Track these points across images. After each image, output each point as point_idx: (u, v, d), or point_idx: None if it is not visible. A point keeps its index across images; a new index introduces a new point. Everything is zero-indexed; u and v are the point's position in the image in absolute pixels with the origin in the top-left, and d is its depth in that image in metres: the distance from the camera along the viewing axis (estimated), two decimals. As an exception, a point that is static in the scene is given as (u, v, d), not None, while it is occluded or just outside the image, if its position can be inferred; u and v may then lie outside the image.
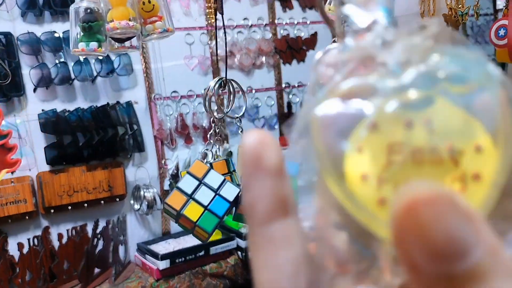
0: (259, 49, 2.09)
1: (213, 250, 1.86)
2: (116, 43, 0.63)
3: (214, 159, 0.74)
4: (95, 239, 1.71)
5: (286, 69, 2.18)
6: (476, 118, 0.16)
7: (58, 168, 1.70)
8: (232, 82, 0.78)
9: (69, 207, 1.70)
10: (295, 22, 2.17)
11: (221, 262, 1.88)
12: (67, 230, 1.71)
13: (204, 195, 0.70)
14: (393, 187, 0.17)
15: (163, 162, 1.95)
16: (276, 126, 2.17)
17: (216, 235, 1.90)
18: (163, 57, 1.90)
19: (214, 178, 0.72)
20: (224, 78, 0.78)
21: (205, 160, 0.79)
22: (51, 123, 1.67)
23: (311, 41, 2.21)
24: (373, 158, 0.17)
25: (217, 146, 0.76)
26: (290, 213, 0.19)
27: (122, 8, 0.56)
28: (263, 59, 2.12)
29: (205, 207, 0.68)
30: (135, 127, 1.85)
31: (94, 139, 1.73)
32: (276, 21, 2.15)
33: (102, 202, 1.77)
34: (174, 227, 2.00)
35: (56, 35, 1.68)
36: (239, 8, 2.06)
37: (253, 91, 2.10)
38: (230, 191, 0.68)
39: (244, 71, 2.09)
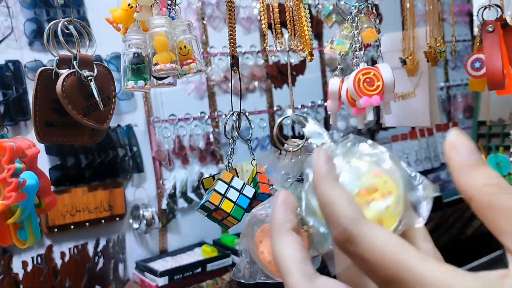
0: (252, 74, 2.21)
1: (210, 267, 1.93)
2: (157, 80, 0.73)
3: (229, 170, 1.03)
4: (96, 257, 1.77)
5: (277, 93, 2.30)
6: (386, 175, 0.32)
7: (61, 188, 1.78)
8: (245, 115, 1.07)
9: (72, 226, 1.77)
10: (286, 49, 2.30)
11: (217, 279, 1.95)
12: (69, 249, 1.78)
13: (233, 194, 1.00)
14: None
15: (161, 182, 2.03)
16: (268, 147, 2.28)
17: (212, 253, 1.98)
18: (161, 82, 2.00)
19: (238, 182, 1.02)
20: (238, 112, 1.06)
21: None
22: (55, 146, 1.75)
23: (301, 67, 2.34)
24: None
25: (231, 161, 1.03)
26: None
27: (165, 53, 0.67)
28: (256, 83, 2.24)
29: (234, 203, 1.00)
30: (134, 148, 1.94)
31: (95, 161, 1.81)
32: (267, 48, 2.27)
33: (103, 221, 1.84)
34: (172, 245, 2.08)
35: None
36: (233, 36, 2.18)
37: (247, 113, 2.21)
38: (249, 191, 0.99)
39: (238, 95, 2.20)
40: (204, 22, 2.10)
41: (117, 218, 1.88)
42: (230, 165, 0.99)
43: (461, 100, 2.99)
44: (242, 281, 0.39)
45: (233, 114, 0.96)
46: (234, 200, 0.99)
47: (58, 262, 1.76)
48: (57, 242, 1.79)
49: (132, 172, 1.94)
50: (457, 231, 2.59)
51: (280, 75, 2.28)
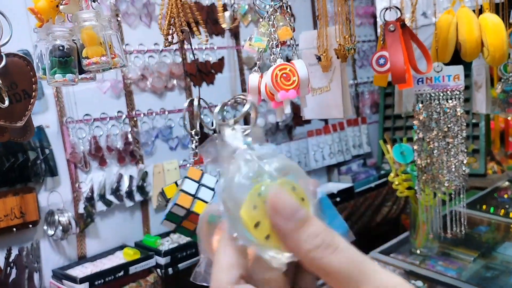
0: (171, 72, 2.19)
1: (133, 269, 1.89)
2: (79, 74, 0.71)
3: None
4: (8, 268, 1.65)
5: (196, 91, 2.31)
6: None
7: (-36, 197, 1.63)
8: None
9: (-22, 237, 1.64)
10: (204, 48, 2.32)
11: (141, 281, 1.92)
12: (-24, 262, 1.64)
13: (205, 194, 0.84)
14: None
15: (77, 185, 1.95)
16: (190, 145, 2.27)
17: (135, 255, 1.94)
18: (74, 81, 1.91)
19: (209, 179, 0.86)
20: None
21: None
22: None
23: (219, 65, 2.37)
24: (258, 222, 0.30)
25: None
26: None
27: (95, 46, 0.65)
28: (175, 82, 2.22)
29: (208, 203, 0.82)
30: (47, 151, 1.84)
31: (4, 165, 1.69)
32: (185, 46, 2.27)
33: (14, 229, 1.72)
34: (91, 250, 2.00)
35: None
36: (150, 34, 2.15)
37: (166, 112, 2.19)
38: None
39: (157, 94, 2.18)
40: (119, 19, 2.04)
41: (30, 225, 1.77)
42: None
43: (368, 97, 3.22)
44: (204, 284, 0.38)
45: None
46: (208, 201, 0.82)
47: (-37, 277, 1.61)
48: (-39, 255, 1.64)
49: (45, 176, 1.84)
50: (368, 218, 2.79)
51: (199, 73, 2.29)
